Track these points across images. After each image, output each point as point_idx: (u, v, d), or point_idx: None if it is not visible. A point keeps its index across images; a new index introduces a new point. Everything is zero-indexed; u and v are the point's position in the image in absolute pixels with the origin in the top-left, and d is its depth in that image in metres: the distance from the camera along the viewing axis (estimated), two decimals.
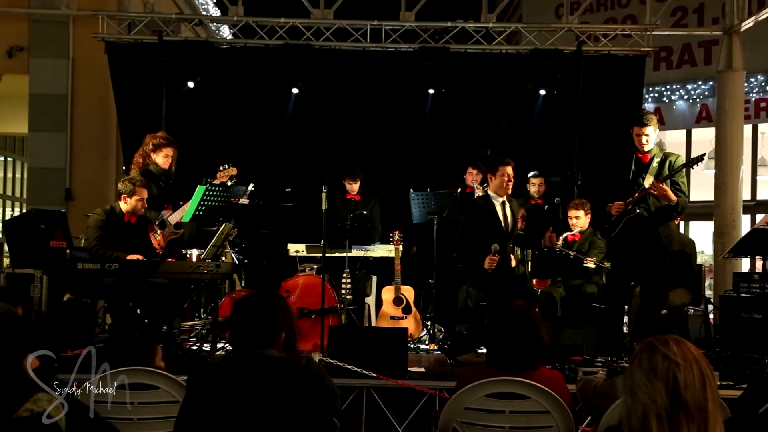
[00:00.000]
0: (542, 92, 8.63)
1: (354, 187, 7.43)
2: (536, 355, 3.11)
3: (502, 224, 5.77)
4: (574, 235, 6.89)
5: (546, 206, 7.58)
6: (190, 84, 8.52)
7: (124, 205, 5.68)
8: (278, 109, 8.70)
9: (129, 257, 5.50)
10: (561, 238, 6.94)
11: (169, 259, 5.77)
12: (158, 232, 6.03)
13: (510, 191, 5.78)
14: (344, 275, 6.77)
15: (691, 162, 5.57)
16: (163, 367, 3.54)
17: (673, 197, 5.48)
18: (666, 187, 5.47)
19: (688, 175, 5.75)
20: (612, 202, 5.84)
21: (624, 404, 1.92)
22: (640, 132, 5.63)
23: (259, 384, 2.48)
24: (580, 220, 6.76)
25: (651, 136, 5.64)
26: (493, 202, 5.78)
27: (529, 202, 7.69)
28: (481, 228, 5.71)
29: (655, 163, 5.64)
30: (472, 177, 7.54)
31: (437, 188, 7.19)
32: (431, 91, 8.63)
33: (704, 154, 5.56)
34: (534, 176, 7.63)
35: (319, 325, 5.98)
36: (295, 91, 8.63)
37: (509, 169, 5.72)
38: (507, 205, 5.83)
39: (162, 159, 6.19)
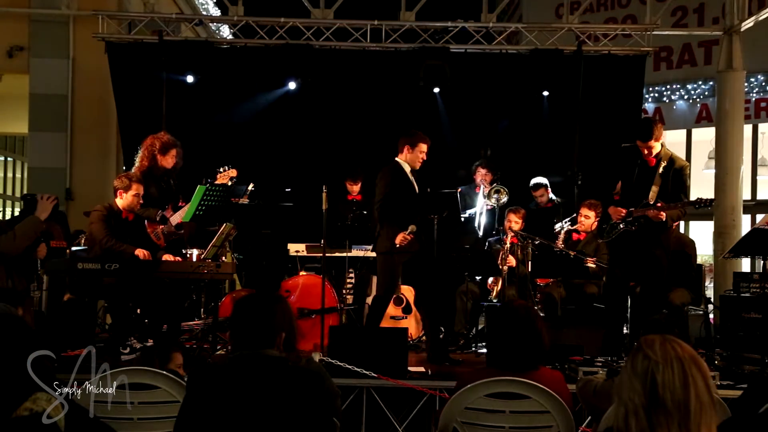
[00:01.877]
0: (544, 93, 8.65)
1: (355, 188, 7.46)
2: (537, 355, 3.11)
3: (415, 189, 5.95)
4: (578, 234, 6.90)
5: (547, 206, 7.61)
6: (189, 79, 8.51)
7: (120, 200, 5.71)
8: (278, 109, 8.70)
9: (137, 251, 5.54)
10: (563, 232, 6.94)
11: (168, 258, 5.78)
12: (159, 229, 6.04)
13: (420, 164, 5.99)
14: (349, 275, 6.79)
15: (699, 204, 5.45)
16: (182, 375, 3.51)
17: (663, 217, 5.42)
18: (662, 214, 5.41)
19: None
20: (615, 204, 5.77)
21: (614, 405, 1.94)
22: (643, 146, 5.50)
23: (259, 384, 2.48)
24: (589, 219, 6.76)
25: (656, 146, 5.55)
26: (404, 170, 5.94)
27: (538, 206, 7.71)
28: (401, 193, 5.89)
29: (661, 169, 5.50)
30: (481, 176, 7.56)
31: (437, 188, 7.18)
32: (436, 89, 8.62)
33: (713, 200, 5.46)
34: (535, 188, 7.68)
35: (319, 325, 5.97)
36: (293, 88, 8.64)
37: (425, 147, 5.95)
38: (413, 175, 6.03)
39: (170, 160, 6.23)
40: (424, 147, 5.92)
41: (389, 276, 5.90)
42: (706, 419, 1.82)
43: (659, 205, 5.43)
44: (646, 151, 5.52)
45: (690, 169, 5.81)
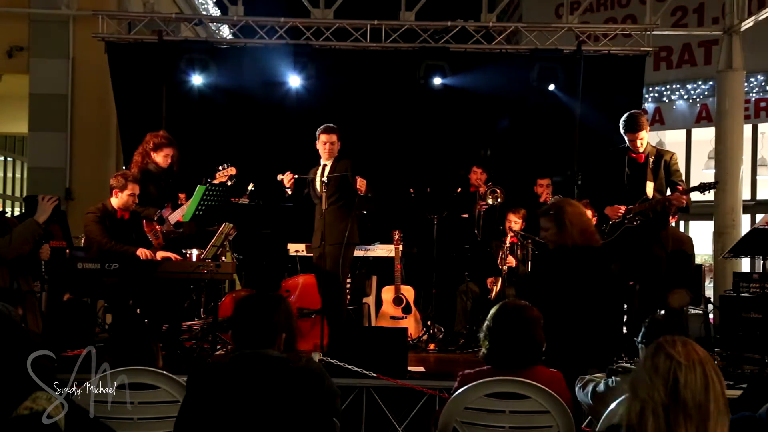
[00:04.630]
0: (544, 91, 8.63)
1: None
2: (531, 354, 3.12)
3: (317, 185, 6.17)
4: None
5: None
6: (189, 79, 8.49)
7: (116, 200, 5.69)
8: (278, 109, 8.69)
9: (138, 251, 5.53)
10: None
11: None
12: (157, 228, 6.04)
13: (329, 155, 6.14)
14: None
15: (703, 188, 5.48)
16: (161, 368, 3.53)
17: (685, 201, 5.45)
18: (685, 198, 5.43)
19: (687, 176, 5.72)
20: (611, 205, 5.74)
21: (625, 402, 1.94)
22: (633, 138, 5.52)
23: (259, 384, 2.48)
24: None
25: (645, 138, 5.57)
26: (320, 166, 6.21)
27: (538, 201, 7.69)
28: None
29: (650, 165, 5.52)
30: (476, 176, 7.56)
31: (437, 188, 7.19)
32: (437, 81, 8.57)
33: (717, 182, 5.50)
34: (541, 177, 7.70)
35: (319, 325, 5.98)
36: (293, 88, 8.62)
37: (324, 137, 6.13)
38: (327, 168, 6.16)
39: (162, 158, 6.19)
40: (323, 137, 6.12)
41: None
42: (721, 423, 1.83)
43: (680, 188, 5.46)
44: (638, 143, 5.53)
45: (677, 158, 5.81)
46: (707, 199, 9.78)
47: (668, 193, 5.58)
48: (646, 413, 1.83)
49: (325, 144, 6.10)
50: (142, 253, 5.58)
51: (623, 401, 2.89)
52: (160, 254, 5.73)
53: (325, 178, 6.01)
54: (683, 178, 5.71)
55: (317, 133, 6.17)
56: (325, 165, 6.15)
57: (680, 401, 1.81)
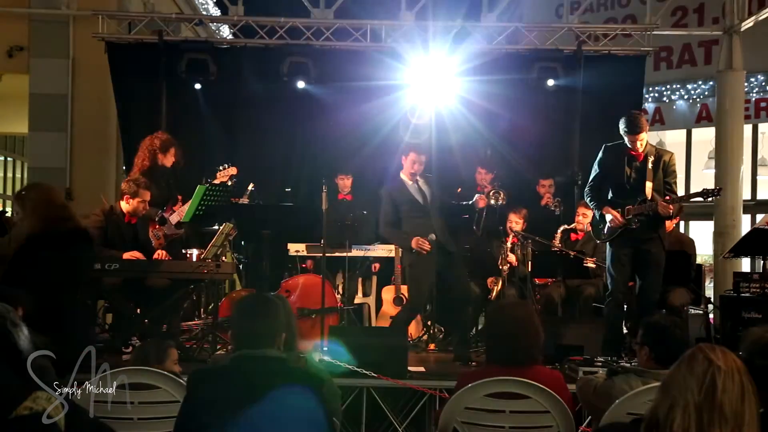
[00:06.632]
0: (544, 91, 8.61)
1: (347, 183, 7.49)
2: (530, 352, 3.12)
3: (420, 201, 6.02)
4: (576, 234, 6.90)
5: (551, 206, 7.59)
6: (189, 79, 8.48)
7: (126, 205, 5.70)
8: (278, 109, 8.68)
9: (125, 256, 5.52)
10: (559, 230, 6.92)
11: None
12: (158, 227, 6.04)
13: (417, 173, 6.04)
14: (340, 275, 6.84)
15: (706, 194, 5.47)
16: (178, 372, 3.51)
17: (672, 210, 5.46)
18: (671, 207, 5.43)
19: (687, 176, 5.71)
20: (610, 206, 5.72)
21: (653, 402, 1.94)
22: (633, 139, 5.46)
23: (259, 384, 2.48)
24: (587, 219, 6.75)
25: (644, 139, 5.53)
26: (405, 184, 6.04)
27: (540, 203, 7.68)
28: (402, 209, 6.00)
29: (650, 165, 5.52)
30: (481, 176, 7.56)
31: (437, 187, 7.19)
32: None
33: (720, 189, 5.50)
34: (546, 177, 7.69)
35: (319, 325, 5.98)
36: (293, 88, 8.62)
37: (414, 155, 6.03)
38: (420, 182, 6.08)
39: (170, 158, 6.26)
40: (413, 156, 6.01)
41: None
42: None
43: (668, 198, 5.44)
44: (638, 144, 5.49)
45: (675, 158, 5.79)
46: None
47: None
48: (674, 411, 1.84)
49: (414, 164, 6.02)
50: (130, 256, 5.57)
51: (624, 400, 2.90)
52: (157, 253, 5.74)
53: (428, 199, 6.04)
54: (677, 179, 5.67)
55: (406, 150, 6.08)
56: (417, 180, 6.08)
57: (716, 405, 1.82)
